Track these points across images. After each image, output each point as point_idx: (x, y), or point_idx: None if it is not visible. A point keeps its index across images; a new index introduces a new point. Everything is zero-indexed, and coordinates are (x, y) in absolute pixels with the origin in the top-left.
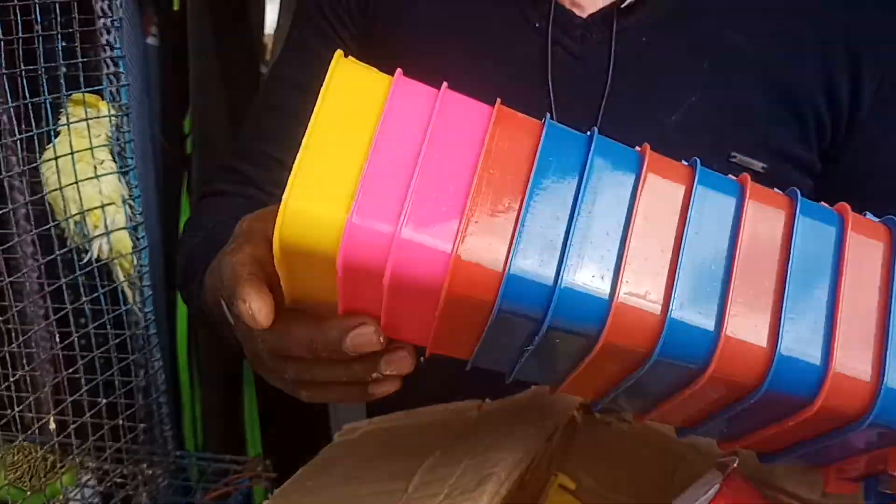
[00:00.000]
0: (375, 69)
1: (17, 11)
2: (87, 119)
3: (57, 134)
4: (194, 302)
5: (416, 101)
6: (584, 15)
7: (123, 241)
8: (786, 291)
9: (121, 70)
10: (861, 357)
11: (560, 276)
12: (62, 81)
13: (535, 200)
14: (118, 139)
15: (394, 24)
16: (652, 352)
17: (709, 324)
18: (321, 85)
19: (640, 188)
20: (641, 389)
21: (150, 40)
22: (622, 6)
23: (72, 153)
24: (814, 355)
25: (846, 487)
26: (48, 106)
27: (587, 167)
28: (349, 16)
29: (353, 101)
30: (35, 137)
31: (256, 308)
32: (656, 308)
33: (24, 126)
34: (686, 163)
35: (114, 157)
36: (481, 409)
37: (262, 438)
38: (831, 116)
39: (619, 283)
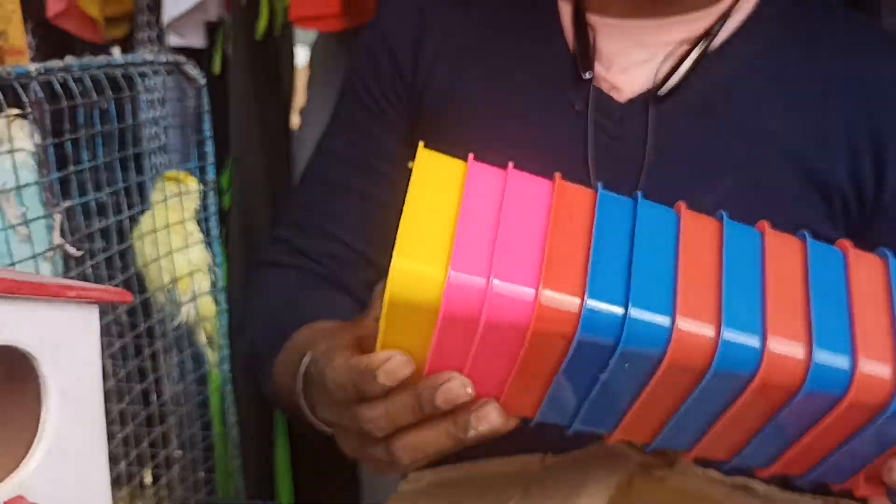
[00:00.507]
0: (452, 157)
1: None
2: (179, 194)
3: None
4: (263, 385)
5: (489, 178)
6: (623, 99)
7: (207, 305)
8: (812, 311)
9: (207, 150)
10: (880, 359)
11: (627, 309)
12: (161, 161)
13: (599, 249)
14: (205, 211)
15: (440, 101)
16: (708, 368)
17: (754, 342)
18: (368, 159)
19: (680, 236)
20: (693, 416)
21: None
22: (659, 92)
23: (167, 227)
24: (842, 362)
25: (876, 490)
26: (146, 185)
27: (636, 221)
28: (394, 91)
29: (437, 181)
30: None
31: (400, 356)
32: (710, 332)
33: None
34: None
35: (201, 228)
36: (545, 462)
37: (294, 490)
38: (857, 201)
39: (676, 312)
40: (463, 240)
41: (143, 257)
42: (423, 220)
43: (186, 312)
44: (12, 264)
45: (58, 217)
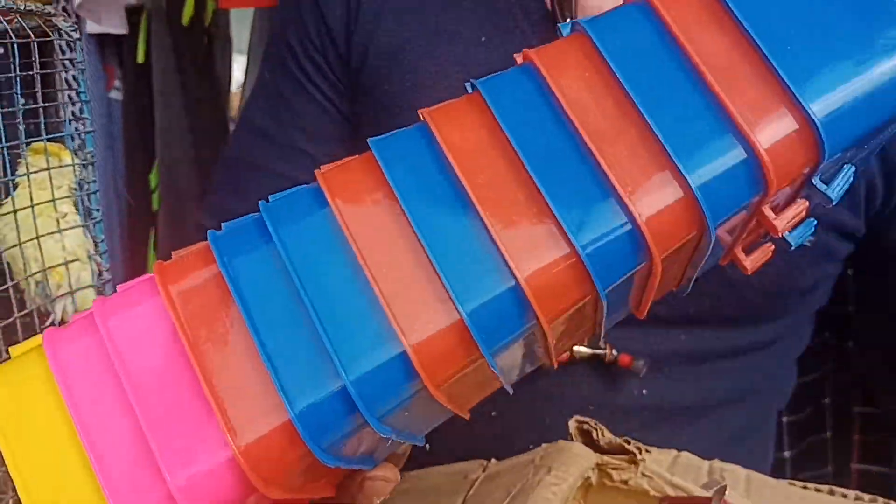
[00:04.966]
0: (19, 363)
1: None
2: (48, 169)
3: (15, 186)
4: None
5: (83, 350)
6: None
7: (90, 300)
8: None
9: (85, 115)
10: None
11: (346, 377)
12: (20, 128)
13: (264, 340)
14: (83, 190)
15: (384, 66)
16: (480, 350)
17: (503, 284)
18: (292, 138)
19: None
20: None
21: (114, 94)
22: None
23: (32, 206)
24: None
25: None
26: (5, 156)
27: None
28: (326, 62)
29: (31, 406)
30: None
31: None
32: (449, 318)
33: None
34: None
35: (78, 210)
36: (486, 470)
37: None
38: (884, 179)
39: (398, 331)
40: (101, 458)
41: (4, 242)
42: (42, 463)
43: (63, 308)
44: None
45: None
